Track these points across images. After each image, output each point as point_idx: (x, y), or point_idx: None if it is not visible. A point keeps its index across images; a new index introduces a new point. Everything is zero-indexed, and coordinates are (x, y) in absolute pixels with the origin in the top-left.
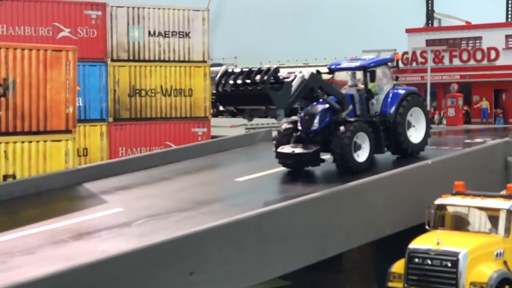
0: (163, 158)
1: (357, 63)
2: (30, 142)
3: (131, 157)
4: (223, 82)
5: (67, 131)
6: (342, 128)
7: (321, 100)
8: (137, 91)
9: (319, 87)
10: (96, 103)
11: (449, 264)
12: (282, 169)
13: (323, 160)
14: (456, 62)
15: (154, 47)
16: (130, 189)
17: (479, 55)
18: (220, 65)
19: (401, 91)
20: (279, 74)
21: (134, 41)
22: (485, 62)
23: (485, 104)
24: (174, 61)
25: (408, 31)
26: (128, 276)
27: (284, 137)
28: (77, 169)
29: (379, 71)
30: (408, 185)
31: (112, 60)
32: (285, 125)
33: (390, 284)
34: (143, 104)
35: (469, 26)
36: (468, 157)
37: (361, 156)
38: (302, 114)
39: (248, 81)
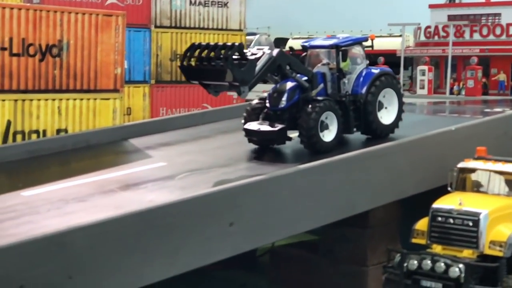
0: (202, 118)
1: (331, 42)
2: (81, 99)
3: (172, 116)
4: (188, 55)
5: (115, 90)
6: (309, 106)
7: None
8: (178, 56)
9: (287, 64)
10: (140, 66)
11: (471, 224)
12: None
13: (289, 139)
14: (476, 36)
15: (195, 15)
16: (172, 145)
17: (498, 31)
18: (254, 34)
19: (374, 71)
20: (248, 50)
21: (176, 10)
22: (503, 37)
23: (502, 76)
24: (212, 29)
25: (431, 6)
26: (173, 225)
27: (253, 114)
28: (123, 126)
29: (352, 51)
30: (432, 149)
31: (156, 27)
32: (255, 102)
33: (413, 240)
34: None
35: (489, 3)
36: (489, 124)
37: (328, 135)
38: (271, 91)
39: (212, 56)
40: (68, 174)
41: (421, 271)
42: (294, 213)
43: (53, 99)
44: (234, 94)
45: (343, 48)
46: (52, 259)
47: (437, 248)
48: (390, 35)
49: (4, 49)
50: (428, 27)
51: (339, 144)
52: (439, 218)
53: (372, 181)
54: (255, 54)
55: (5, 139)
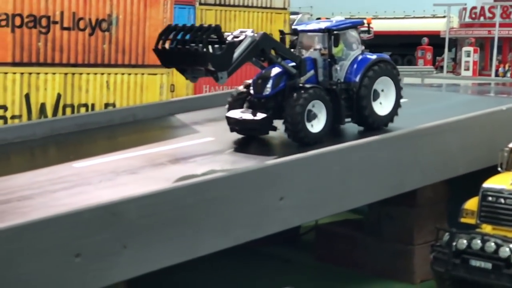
0: None
1: (322, 25)
2: (129, 74)
3: (218, 93)
4: (163, 38)
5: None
6: (294, 95)
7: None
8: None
9: (272, 48)
10: None
11: None
12: None
13: (274, 128)
14: None
15: None
16: (219, 121)
17: None
18: (296, 13)
19: (370, 58)
20: (230, 33)
21: None
22: None
23: None
24: (257, 7)
25: None
26: (224, 198)
27: (237, 101)
28: (170, 101)
29: (346, 35)
30: (482, 129)
31: (200, 4)
32: (240, 88)
33: (463, 220)
34: None
35: None
36: None
37: (316, 126)
38: (256, 77)
39: (187, 38)
40: (117, 147)
41: (471, 251)
42: (344, 189)
43: (102, 74)
44: None
45: (335, 32)
46: (107, 228)
47: (486, 228)
48: (434, 16)
49: (55, 22)
50: (474, 8)
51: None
52: (490, 198)
53: (422, 159)
54: (238, 37)
55: (55, 112)
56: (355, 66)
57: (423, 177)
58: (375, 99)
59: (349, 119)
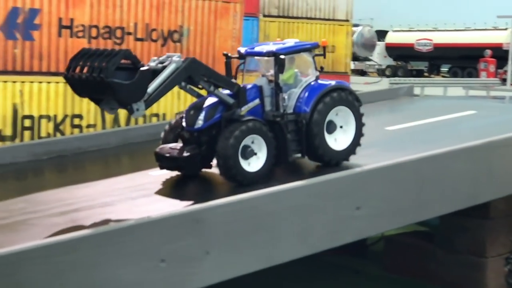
0: None
1: (268, 48)
2: None
3: None
4: (73, 64)
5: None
6: (227, 129)
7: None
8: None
9: (202, 75)
10: None
11: None
12: (430, 120)
13: (208, 166)
14: None
15: (302, 5)
16: None
17: None
18: (357, 25)
19: (324, 85)
20: (155, 58)
21: None
22: None
23: None
24: (319, 18)
25: None
26: (303, 206)
27: (170, 134)
28: None
29: (298, 60)
30: None
31: (264, 16)
32: (177, 117)
33: None
34: None
35: None
36: None
37: (254, 164)
38: (188, 107)
39: (89, 65)
40: None
41: None
42: (418, 200)
43: None
44: None
45: (281, 56)
46: (191, 234)
47: None
48: (495, 28)
49: (129, 33)
50: None
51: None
52: None
53: (496, 171)
54: (163, 62)
55: (128, 122)
56: (306, 94)
57: (497, 189)
58: (330, 132)
59: (298, 155)
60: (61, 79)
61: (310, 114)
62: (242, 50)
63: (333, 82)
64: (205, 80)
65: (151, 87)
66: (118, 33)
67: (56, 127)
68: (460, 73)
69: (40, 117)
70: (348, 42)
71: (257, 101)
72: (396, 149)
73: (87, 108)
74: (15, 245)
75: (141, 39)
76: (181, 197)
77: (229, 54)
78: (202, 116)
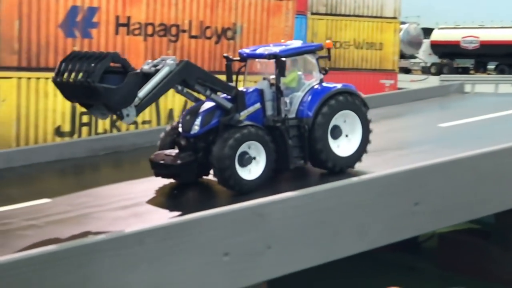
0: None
1: (269, 50)
2: (255, 82)
3: None
4: (62, 68)
5: None
6: (224, 135)
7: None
8: (333, 43)
9: (198, 79)
10: None
11: None
12: (482, 117)
13: (206, 173)
14: None
15: (350, 2)
16: None
17: None
18: (403, 23)
19: (328, 88)
20: (149, 61)
21: None
22: None
23: None
24: (367, 16)
25: None
26: (361, 202)
27: (167, 139)
28: None
29: (301, 62)
30: None
31: (312, 14)
32: (175, 123)
33: None
34: (337, 55)
35: None
36: None
37: (253, 172)
38: (185, 112)
39: (77, 69)
40: None
41: None
42: (476, 197)
43: None
44: (386, 81)
45: (283, 58)
46: (254, 228)
47: None
48: None
49: (184, 31)
50: None
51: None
52: None
53: None
54: (157, 65)
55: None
56: (309, 98)
57: None
58: (335, 137)
59: (301, 162)
60: None
61: (313, 118)
62: (243, 52)
63: (338, 85)
64: (201, 83)
65: (143, 92)
66: (173, 30)
67: (113, 124)
68: (507, 70)
69: None
70: (396, 39)
71: (257, 105)
72: (451, 146)
73: None
74: (82, 238)
75: (195, 37)
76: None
77: (230, 57)
78: (198, 121)
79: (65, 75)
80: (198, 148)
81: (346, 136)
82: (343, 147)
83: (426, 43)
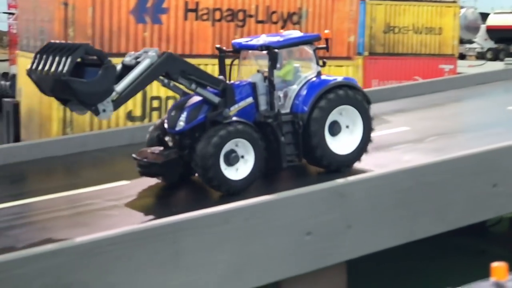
0: (429, 87)
1: (262, 41)
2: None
3: (401, 85)
4: (37, 61)
5: (348, 58)
6: (209, 131)
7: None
8: (391, 28)
9: (181, 72)
10: None
11: None
12: None
13: (192, 173)
14: None
15: None
16: (407, 112)
17: None
18: (461, 7)
19: (326, 81)
20: (133, 52)
21: None
22: None
23: None
24: (426, 0)
25: None
26: (440, 183)
27: (154, 135)
28: None
29: (297, 54)
30: None
31: None
32: (162, 118)
33: None
34: (396, 40)
35: None
36: None
37: (240, 171)
38: (171, 107)
39: (50, 62)
40: None
41: None
42: None
43: None
44: (445, 67)
45: (277, 49)
46: (335, 208)
47: None
48: None
49: (250, 16)
50: None
51: None
52: None
53: None
54: (138, 58)
55: None
56: (305, 92)
57: None
58: (334, 134)
59: (295, 160)
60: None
61: (309, 113)
62: (236, 43)
63: (338, 78)
64: (186, 77)
65: (121, 85)
66: (240, 15)
67: None
68: None
69: (167, 98)
70: (455, 24)
71: (249, 99)
72: None
73: None
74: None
75: (261, 21)
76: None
77: (224, 48)
78: (183, 117)
79: (39, 68)
80: (184, 145)
81: (345, 132)
82: (341, 144)
83: (482, 28)
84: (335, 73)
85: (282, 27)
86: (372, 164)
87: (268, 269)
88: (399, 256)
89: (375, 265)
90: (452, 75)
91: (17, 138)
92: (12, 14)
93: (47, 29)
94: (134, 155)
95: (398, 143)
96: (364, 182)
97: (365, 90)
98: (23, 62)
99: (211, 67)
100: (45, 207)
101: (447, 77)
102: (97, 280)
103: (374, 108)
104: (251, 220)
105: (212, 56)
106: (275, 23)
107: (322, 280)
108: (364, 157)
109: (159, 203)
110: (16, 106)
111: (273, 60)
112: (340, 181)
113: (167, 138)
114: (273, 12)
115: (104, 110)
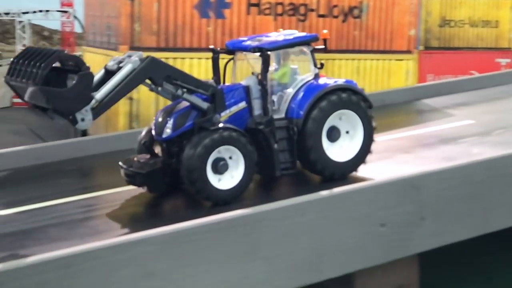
0: (489, 80)
1: (255, 42)
2: (377, 60)
3: (460, 79)
4: (13, 67)
5: (408, 51)
6: (194, 139)
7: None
8: (447, 21)
9: (165, 77)
10: None
11: None
12: None
13: (182, 182)
14: None
15: None
16: (469, 105)
17: None
18: None
19: (324, 85)
20: (114, 58)
21: None
22: None
23: None
24: None
25: None
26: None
27: (143, 142)
28: (417, 86)
29: (293, 56)
30: None
31: None
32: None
33: None
34: (452, 34)
35: None
36: None
37: (229, 180)
38: (158, 113)
39: (24, 69)
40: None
41: None
42: None
43: (353, 59)
44: (501, 60)
45: (269, 51)
46: (409, 200)
47: None
48: None
49: (312, 10)
50: None
51: None
52: None
53: None
54: (122, 62)
55: None
56: (301, 95)
57: None
58: (333, 140)
59: (290, 168)
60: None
61: (304, 118)
62: (230, 45)
63: (338, 81)
64: (171, 82)
65: (101, 92)
66: (302, 10)
67: None
68: None
69: None
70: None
71: (242, 104)
72: None
73: None
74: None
75: (323, 16)
76: (389, 165)
77: (217, 49)
78: (170, 123)
79: (14, 75)
80: (172, 153)
81: (346, 137)
82: (338, 151)
83: None
84: (395, 68)
85: (343, 21)
86: (441, 158)
87: (343, 261)
88: (473, 250)
89: (448, 258)
90: (509, 69)
91: (84, 133)
92: (65, 12)
93: (113, 24)
94: (120, 163)
95: (464, 136)
96: (437, 174)
97: (422, 84)
98: (90, 57)
99: None
100: (116, 199)
101: (506, 71)
102: (176, 270)
103: (433, 102)
104: (327, 211)
105: None
106: (336, 17)
107: (395, 272)
108: (428, 149)
109: None
110: None
111: (266, 63)
112: (413, 173)
113: (155, 146)
114: (334, 6)
115: (82, 119)
